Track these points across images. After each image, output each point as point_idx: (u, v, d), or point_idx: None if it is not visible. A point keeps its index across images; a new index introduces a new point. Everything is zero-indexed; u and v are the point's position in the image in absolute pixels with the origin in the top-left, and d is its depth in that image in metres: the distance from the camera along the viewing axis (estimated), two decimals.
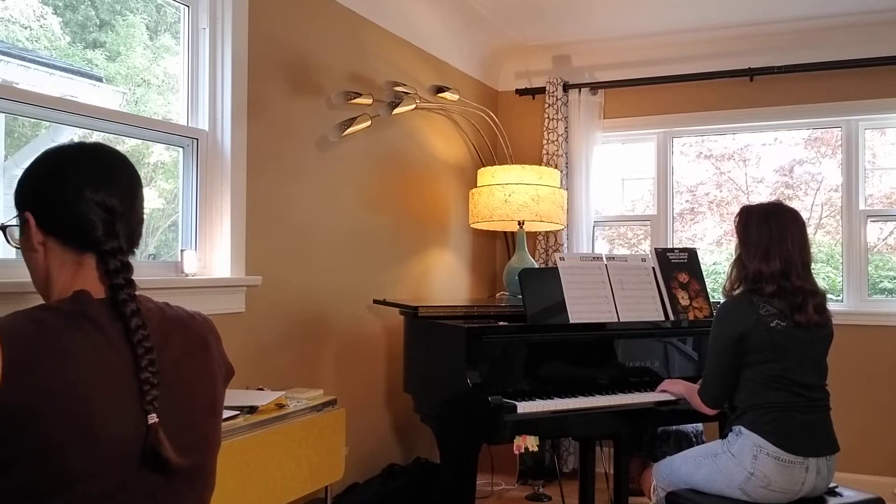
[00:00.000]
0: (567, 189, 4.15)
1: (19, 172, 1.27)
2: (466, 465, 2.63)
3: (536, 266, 3.78)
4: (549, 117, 4.33)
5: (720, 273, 4.37)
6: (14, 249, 1.32)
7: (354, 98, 3.14)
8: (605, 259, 2.88)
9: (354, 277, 3.26)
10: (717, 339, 2.37)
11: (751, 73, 4.03)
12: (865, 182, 4.00)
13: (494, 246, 4.56)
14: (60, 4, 2.22)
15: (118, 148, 1.40)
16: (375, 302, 3.17)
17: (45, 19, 2.18)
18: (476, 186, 3.60)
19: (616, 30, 4.15)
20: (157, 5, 2.51)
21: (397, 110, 3.36)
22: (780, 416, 2.25)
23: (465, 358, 2.51)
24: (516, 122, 4.51)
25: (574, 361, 2.72)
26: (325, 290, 3.07)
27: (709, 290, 3.00)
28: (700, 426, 3.70)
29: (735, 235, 2.46)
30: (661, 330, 2.87)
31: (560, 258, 2.84)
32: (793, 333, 2.29)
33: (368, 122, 3.17)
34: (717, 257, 4.49)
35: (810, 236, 2.50)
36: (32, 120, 2.12)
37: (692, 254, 3.01)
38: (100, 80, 2.32)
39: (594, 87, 4.34)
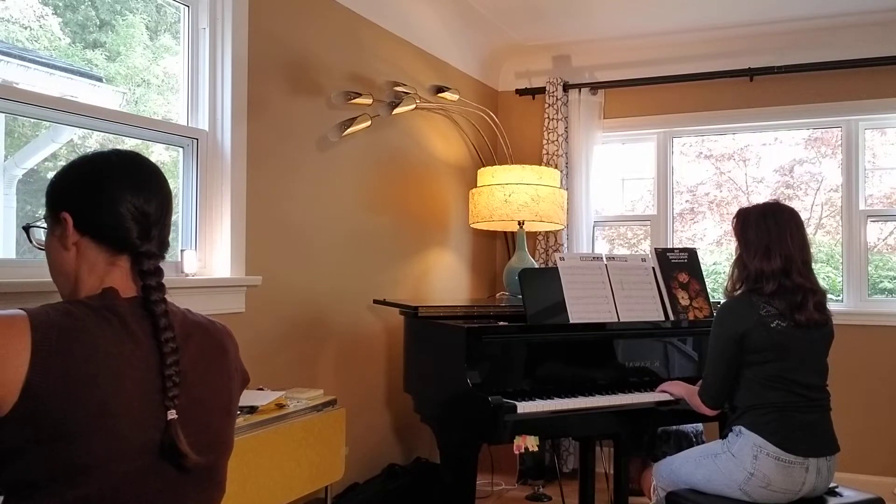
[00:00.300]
0: (567, 189, 4.15)
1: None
2: (466, 465, 2.63)
3: (536, 266, 3.78)
4: (549, 117, 4.33)
5: (720, 273, 4.37)
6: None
7: (354, 98, 3.14)
8: (605, 259, 2.88)
9: (354, 277, 3.26)
10: (717, 340, 2.37)
11: (751, 73, 4.03)
12: (865, 182, 4.00)
13: (494, 246, 4.57)
14: (60, 4, 2.22)
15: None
16: (375, 302, 3.17)
17: (45, 19, 2.18)
18: (476, 186, 3.60)
19: (616, 30, 4.15)
20: (157, 5, 2.51)
21: (397, 110, 3.36)
22: (780, 417, 2.25)
23: (465, 358, 2.51)
24: (516, 122, 4.51)
25: (574, 361, 2.71)
26: (325, 290, 3.07)
27: (709, 290, 3.00)
28: (700, 426, 3.70)
29: (734, 237, 2.46)
30: (661, 330, 2.87)
31: (560, 258, 2.84)
32: (793, 334, 2.29)
33: (368, 122, 3.17)
34: (717, 257, 4.48)
35: (810, 236, 2.50)
36: (32, 120, 2.11)
37: (692, 254, 3.01)
38: (100, 80, 2.32)
39: (594, 87, 4.34)
